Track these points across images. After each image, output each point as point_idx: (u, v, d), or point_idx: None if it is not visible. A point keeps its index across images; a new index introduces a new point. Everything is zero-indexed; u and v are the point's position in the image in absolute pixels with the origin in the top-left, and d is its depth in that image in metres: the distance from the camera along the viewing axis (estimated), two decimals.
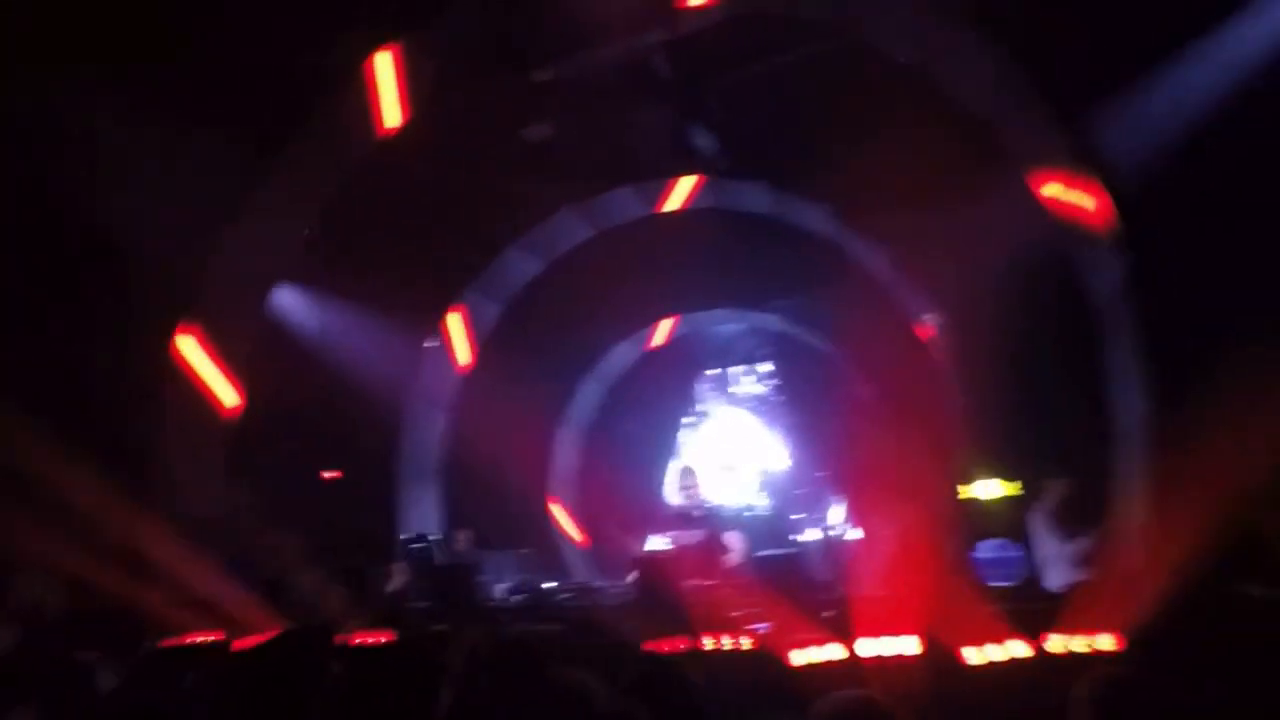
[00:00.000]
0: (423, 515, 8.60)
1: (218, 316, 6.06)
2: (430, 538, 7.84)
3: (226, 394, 6.38)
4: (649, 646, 4.36)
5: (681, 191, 7.96)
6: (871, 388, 7.92)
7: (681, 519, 5.97)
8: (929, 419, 6.39)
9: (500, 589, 7.32)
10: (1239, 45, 4.17)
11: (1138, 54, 4.34)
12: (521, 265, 8.69)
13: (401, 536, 7.80)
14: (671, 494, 6.93)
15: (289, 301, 7.40)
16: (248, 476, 7.18)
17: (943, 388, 6.64)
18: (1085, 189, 4.52)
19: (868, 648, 3.99)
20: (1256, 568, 3.40)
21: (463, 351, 8.79)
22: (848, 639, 4.03)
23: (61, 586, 5.11)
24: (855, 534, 7.44)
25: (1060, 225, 4.59)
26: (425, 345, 8.56)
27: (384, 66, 5.97)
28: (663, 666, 2.75)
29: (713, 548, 6.04)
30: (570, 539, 10.12)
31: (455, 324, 8.68)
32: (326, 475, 8.04)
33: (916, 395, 6.66)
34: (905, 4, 4.62)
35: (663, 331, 10.24)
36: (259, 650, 2.24)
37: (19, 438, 4.90)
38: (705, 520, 5.98)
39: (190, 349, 6.05)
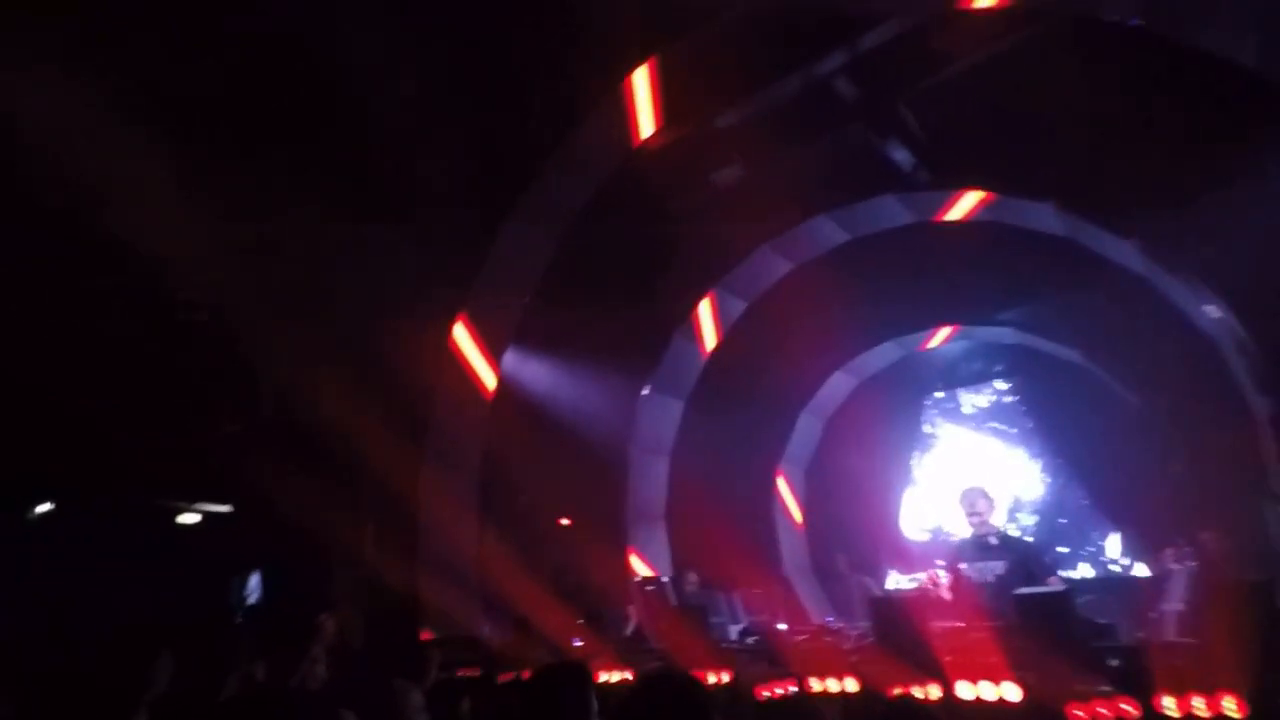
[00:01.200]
0: (653, 558, 8.82)
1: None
2: (662, 579, 8.01)
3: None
4: (894, 690, 4.05)
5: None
6: (1139, 396, 6.81)
7: (977, 549, 5.26)
8: (1223, 428, 5.32)
9: (734, 630, 7.24)
10: None
11: None
12: (725, 306, 8.77)
13: (635, 579, 8.05)
14: (958, 523, 6.15)
15: (516, 364, 8.10)
16: (494, 525, 7.89)
17: (1236, 389, 5.54)
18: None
19: (1171, 705, 3.36)
20: None
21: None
22: (1146, 695, 3.42)
23: (360, 626, 5.95)
24: (1140, 568, 6.38)
25: None
26: (642, 393, 8.89)
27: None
28: (911, 712, 2.53)
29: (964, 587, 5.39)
30: (802, 575, 9.80)
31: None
32: (560, 522, 8.58)
33: (1202, 401, 5.60)
34: None
35: (880, 356, 9.72)
36: (528, 682, 2.42)
37: (319, 501, 5.83)
38: (1004, 549, 5.22)
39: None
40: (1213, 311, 5.53)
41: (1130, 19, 4.39)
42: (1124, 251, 6.09)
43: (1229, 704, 3.23)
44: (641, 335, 8.65)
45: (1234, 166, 4.86)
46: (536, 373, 8.26)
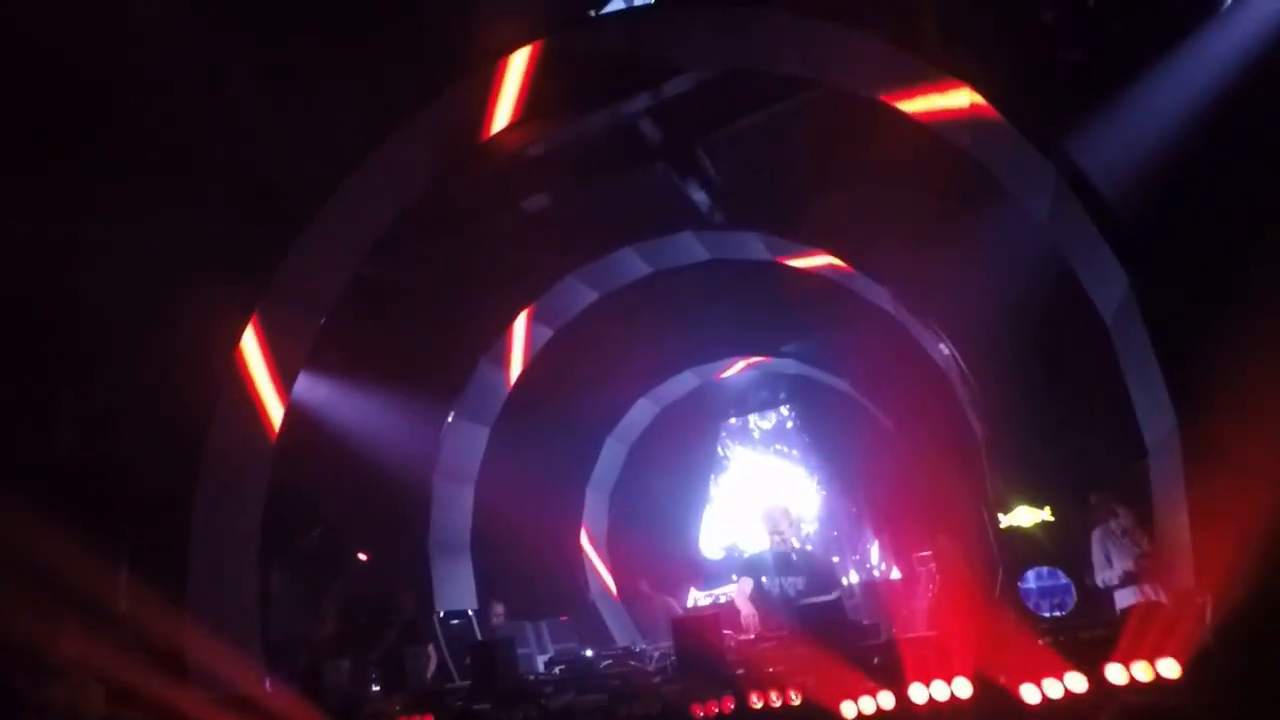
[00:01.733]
0: (458, 590, 8.54)
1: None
2: (468, 612, 7.79)
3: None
4: (696, 710, 4.28)
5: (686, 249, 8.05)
6: (891, 421, 7.87)
7: (779, 564, 5.65)
8: (954, 449, 6.33)
9: (541, 660, 7.21)
10: (1205, 57, 4.25)
11: (1110, 73, 4.44)
12: (532, 332, 8.81)
13: (438, 613, 7.75)
14: (758, 538, 6.45)
15: (310, 390, 7.53)
16: (280, 565, 7.22)
17: (963, 416, 6.59)
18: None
19: (920, 693, 3.88)
20: None
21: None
22: (899, 686, 3.91)
23: (99, 691, 5.11)
24: (895, 573, 7.30)
25: (1059, 244, 4.62)
26: (447, 420, 8.64)
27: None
28: None
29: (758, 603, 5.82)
30: (608, 600, 9.99)
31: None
32: (358, 557, 8.05)
33: (938, 426, 6.60)
34: (871, 47, 4.75)
35: (680, 384, 10.27)
36: None
37: (49, 539, 4.96)
38: (803, 564, 5.65)
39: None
40: (944, 350, 6.58)
41: (876, 95, 5.13)
42: (881, 296, 7.05)
43: (960, 686, 3.79)
44: (447, 360, 8.43)
45: (965, 233, 5.85)
46: (333, 398, 7.74)
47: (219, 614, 5.83)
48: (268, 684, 6.19)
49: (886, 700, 3.94)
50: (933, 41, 4.70)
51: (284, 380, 6.73)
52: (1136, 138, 4.42)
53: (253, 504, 6.41)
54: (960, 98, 4.60)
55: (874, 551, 8.07)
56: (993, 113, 4.47)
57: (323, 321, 6.82)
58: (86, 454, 5.44)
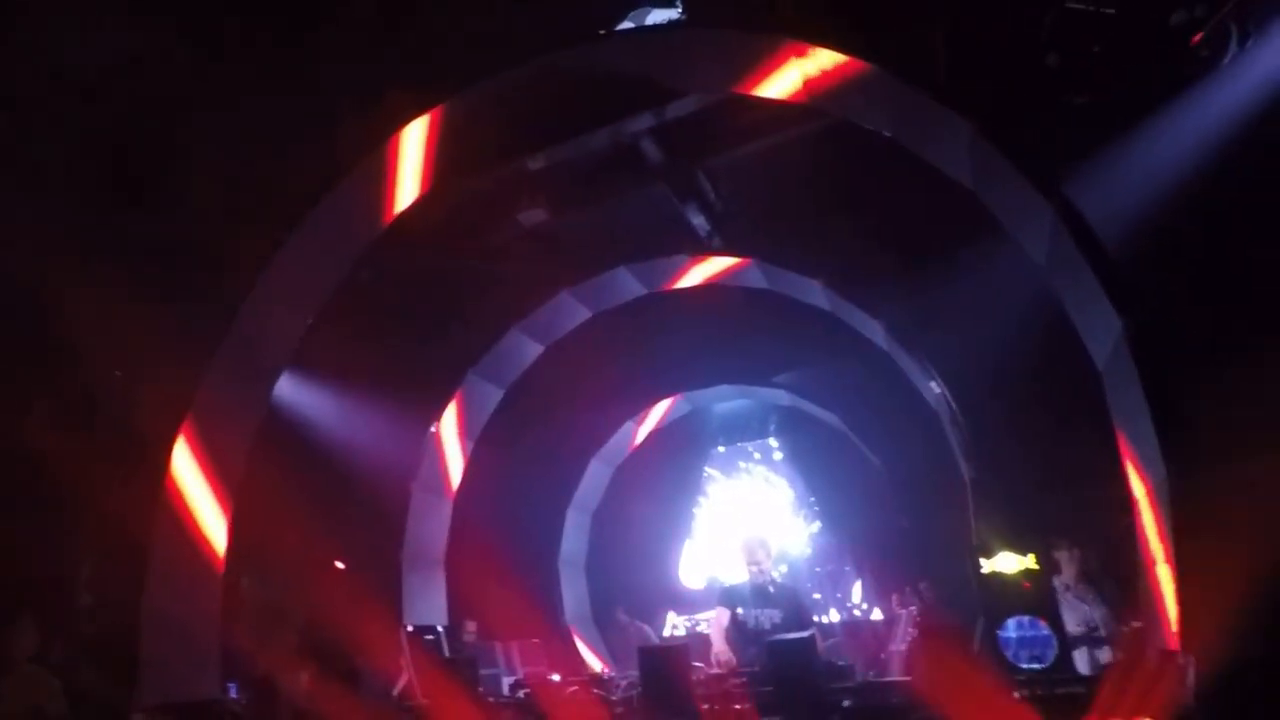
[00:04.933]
0: (430, 605, 8.35)
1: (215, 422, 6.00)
2: (438, 629, 7.60)
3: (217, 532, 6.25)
4: None
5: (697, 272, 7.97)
6: (879, 458, 7.74)
7: (756, 596, 5.54)
8: (941, 490, 6.20)
9: (507, 683, 7.02)
10: (1213, 106, 4.23)
11: (1112, 120, 4.41)
12: (522, 349, 8.74)
13: (408, 628, 7.56)
14: (737, 569, 6.36)
15: (288, 389, 7.42)
16: (248, 571, 7.04)
17: (951, 457, 6.48)
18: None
19: None
20: None
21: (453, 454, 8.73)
22: None
23: (57, 687, 4.95)
24: (876, 613, 7.14)
25: (1055, 288, 4.55)
26: (430, 431, 8.52)
27: (412, 139, 5.93)
28: None
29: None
30: (580, 628, 9.78)
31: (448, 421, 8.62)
32: (331, 567, 7.87)
33: (926, 466, 6.48)
34: (877, 81, 4.73)
35: (662, 411, 10.16)
36: None
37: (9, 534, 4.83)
38: (780, 597, 5.54)
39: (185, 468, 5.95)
40: (935, 388, 6.48)
41: (884, 131, 5.10)
42: (873, 330, 6.97)
43: None
44: (434, 371, 8.34)
45: (959, 270, 5.80)
46: (315, 402, 7.63)
47: (178, 617, 5.69)
48: (231, 690, 6.02)
49: None
50: (939, 79, 4.68)
51: (264, 378, 6.63)
52: (1135, 186, 4.38)
53: (219, 505, 6.28)
54: (964, 136, 4.57)
55: (855, 590, 7.90)
56: (995, 151, 4.43)
57: (309, 323, 6.75)
58: (55, 449, 5.33)
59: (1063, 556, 4.82)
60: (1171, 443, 3.75)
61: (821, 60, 4.99)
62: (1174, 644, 3.66)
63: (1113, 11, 4.04)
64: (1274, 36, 4.19)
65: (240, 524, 6.55)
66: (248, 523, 6.62)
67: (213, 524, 6.33)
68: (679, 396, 9.88)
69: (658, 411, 10.06)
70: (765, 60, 5.34)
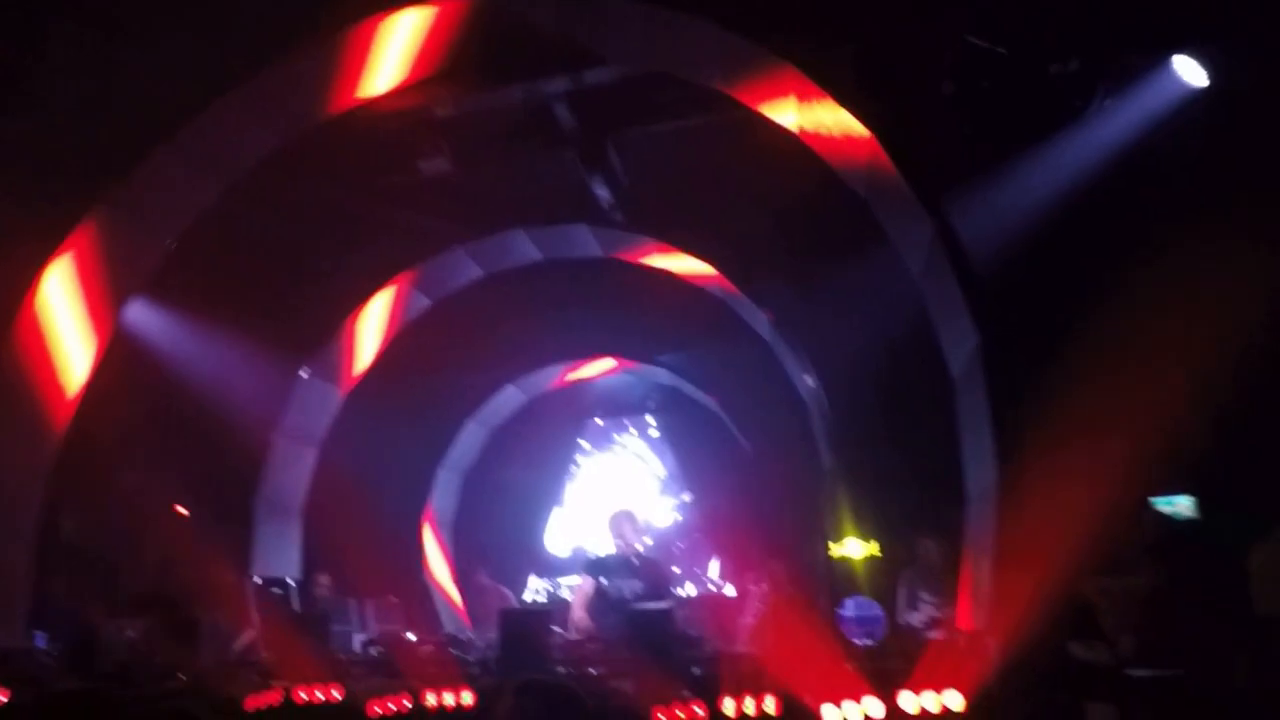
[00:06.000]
0: (282, 557, 7.98)
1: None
2: (288, 581, 7.27)
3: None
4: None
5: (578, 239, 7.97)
6: (751, 443, 8.12)
7: (621, 567, 5.68)
8: (803, 478, 6.61)
9: (359, 640, 6.85)
10: (1076, 149, 4.73)
11: (994, 150, 4.81)
12: (408, 302, 8.44)
13: (255, 580, 7.19)
14: (604, 540, 6.48)
15: (146, 318, 6.80)
16: (80, 510, 6.46)
17: (816, 448, 6.90)
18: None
19: (730, 706, 3.97)
20: (1082, 630, 3.67)
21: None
22: (713, 698, 3.99)
23: None
24: (729, 589, 7.52)
25: (926, 299, 4.94)
26: (299, 375, 8.09)
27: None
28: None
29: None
30: (441, 587, 9.68)
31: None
32: (175, 511, 7.35)
33: (791, 454, 6.88)
34: (789, 79, 4.91)
35: (551, 376, 10.14)
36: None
37: None
38: (643, 569, 5.72)
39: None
40: (809, 381, 6.88)
41: (791, 129, 5.31)
42: (758, 320, 7.27)
43: (769, 703, 3.92)
44: (309, 314, 7.90)
45: (844, 273, 6.14)
46: (174, 334, 7.03)
47: None
48: (38, 640, 5.53)
49: (699, 710, 4.01)
50: (848, 86, 4.90)
51: (111, 302, 6.04)
52: (1003, 213, 4.81)
53: (44, 433, 5.70)
54: (864, 145, 4.82)
55: (714, 567, 8.30)
56: (889, 165, 4.72)
57: (169, 245, 6.19)
58: None
59: (922, 545, 5.27)
60: (1004, 447, 4.21)
61: (737, 47, 5.10)
62: (983, 627, 4.13)
63: (1004, 53, 4.39)
64: (1128, 98, 4.72)
65: (69, 461, 5.99)
66: (79, 461, 6.06)
67: (30, 461, 5.76)
68: (562, 364, 9.88)
69: (539, 378, 10.01)
70: (685, 42, 5.39)
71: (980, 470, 4.45)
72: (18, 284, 5.46)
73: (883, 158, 4.66)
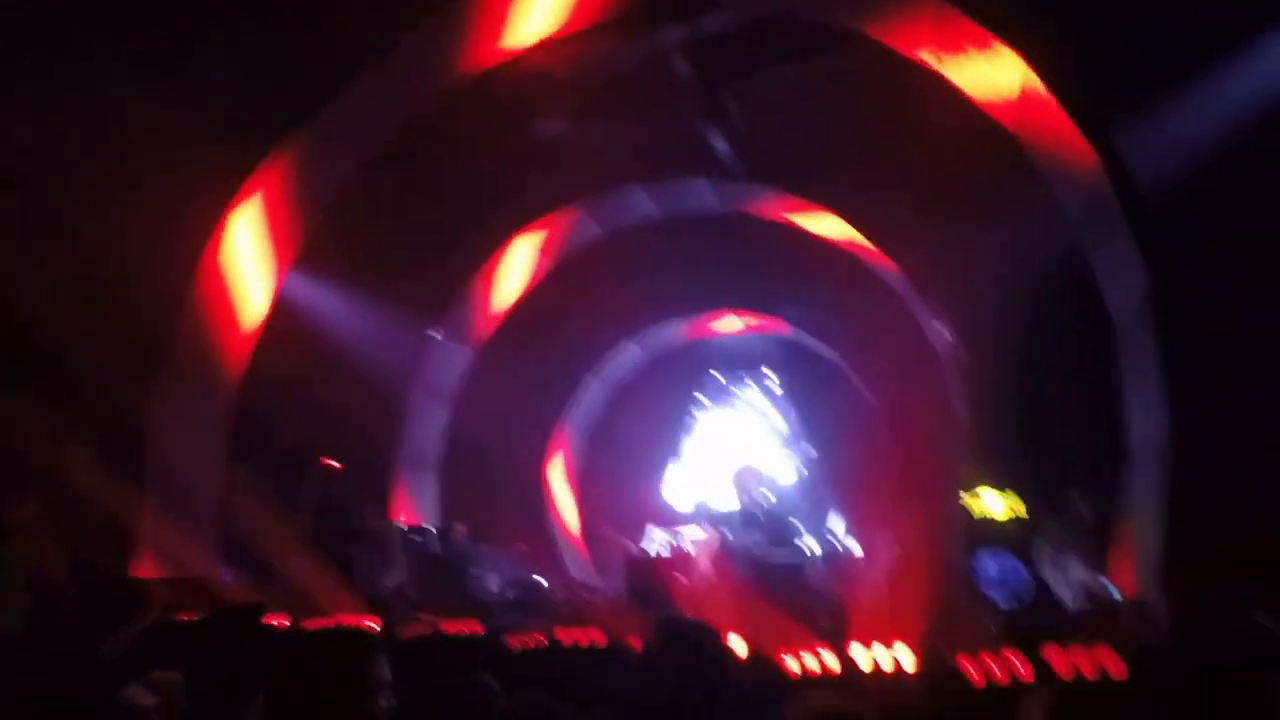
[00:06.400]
0: (423, 506, 8.55)
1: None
2: (428, 529, 7.80)
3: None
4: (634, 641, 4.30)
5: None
6: (879, 397, 7.83)
7: (745, 522, 5.73)
8: (935, 431, 6.30)
9: (495, 583, 7.26)
10: (1260, 70, 4.13)
11: (1162, 71, 4.29)
12: (530, 260, 8.65)
13: (401, 527, 7.74)
14: (728, 496, 6.49)
15: (294, 286, 7.35)
16: (248, 460, 7.14)
17: (950, 401, 6.56)
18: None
19: (863, 657, 3.91)
20: (1271, 596, 3.31)
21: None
22: (843, 648, 3.94)
23: (58, 551, 5.08)
24: (855, 544, 7.36)
25: (1082, 236, 4.52)
26: (430, 335, 8.52)
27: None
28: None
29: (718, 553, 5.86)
30: (569, 535, 10.06)
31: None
32: (327, 463, 8.00)
33: (923, 407, 6.57)
34: (933, 8, 4.55)
35: (671, 332, 10.14)
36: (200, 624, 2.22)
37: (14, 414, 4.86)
38: (768, 524, 5.73)
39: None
40: (942, 331, 6.50)
41: (927, 59, 4.94)
42: (888, 271, 6.93)
43: (902, 651, 3.82)
44: (438, 275, 8.26)
45: (986, 214, 5.70)
46: (320, 299, 7.56)
47: (179, 500, 5.80)
48: (226, 575, 6.20)
49: (830, 660, 3.97)
50: (992, 6, 4.50)
51: (276, 268, 6.56)
52: (1178, 142, 4.30)
53: (223, 393, 6.31)
54: (1012, 71, 4.43)
55: (838, 524, 8.12)
56: (1044, 91, 4.30)
57: (320, 215, 6.63)
58: (55, 323, 5.29)
59: (1072, 501, 4.87)
60: (1177, 393, 3.81)
61: None
62: (1149, 592, 3.82)
63: None
64: None
65: (243, 408, 6.60)
66: (249, 408, 6.67)
67: (213, 405, 6.39)
68: (682, 320, 9.86)
69: (659, 334, 10.05)
70: None
71: (1146, 420, 4.06)
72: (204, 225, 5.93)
73: (1038, 88, 4.25)
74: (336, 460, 7.92)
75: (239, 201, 5.93)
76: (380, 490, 8.15)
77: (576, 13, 5.69)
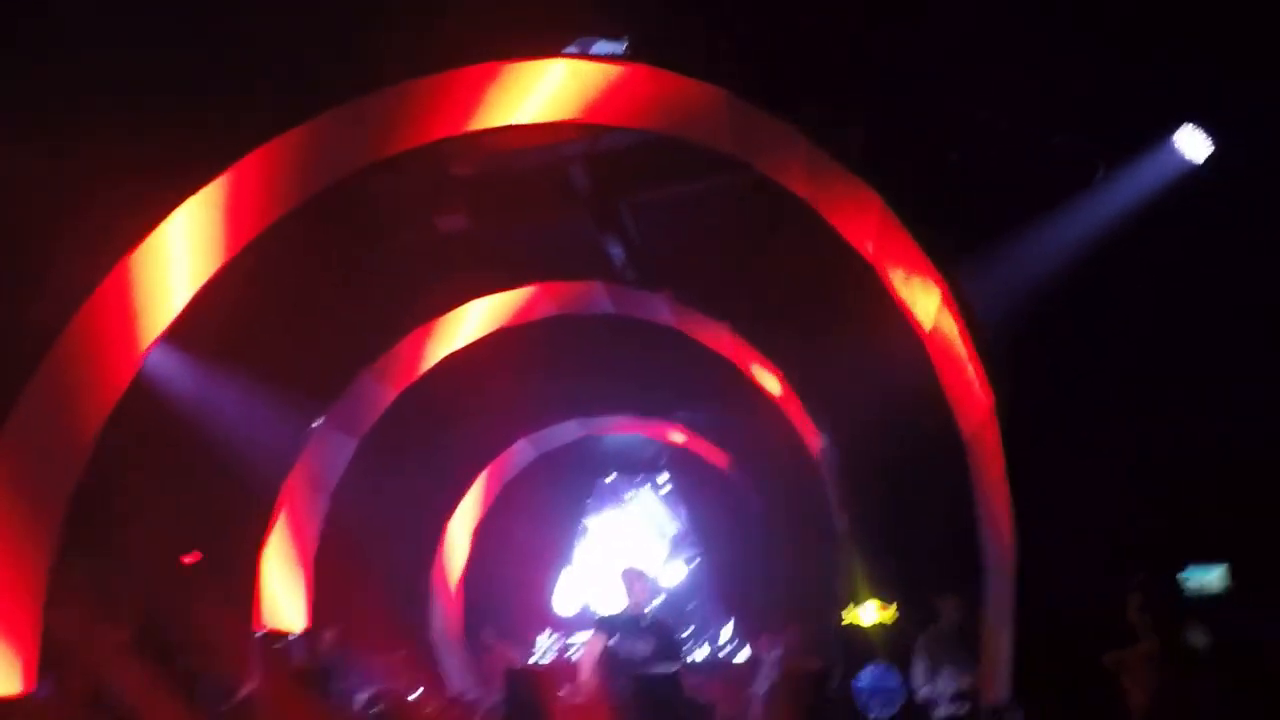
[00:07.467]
0: (288, 608, 7.90)
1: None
2: (291, 636, 7.18)
3: None
4: None
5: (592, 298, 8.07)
6: (763, 504, 8.02)
7: (629, 627, 5.50)
8: (816, 541, 6.50)
9: (360, 698, 6.73)
10: (1079, 220, 4.81)
11: (1001, 220, 4.89)
12: (423, 352, 8.53)
13: (258, 633, 7.11)
14: (614, 599, 6.26)
15: (164, 363, 6.90)
16: (87, 558, 6.44)
17: (828, 509, 6.80)
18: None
19: None
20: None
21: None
22: None
23: None
24: (742, 654, 7.34)
25: (936, 360, 4.93)
26: (312, 425, 8.14)
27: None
28: None
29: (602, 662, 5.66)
30: (452, 639, 9.51)
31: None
32: (184, 559, 7.32)
33: (804, 514, 6.78)
34: (799, 146, 5.02)
35: (564, 432, 10.12)
36: None
37: None
38: (652, 631, 5.54)
39: None
40: (822, 441, 6.82)
41: (799, 192, 5.40)
42: (770, 380, 7.26)
43: None
44: (325, 363, 7.99)
45: (858, 334, 6.15)
46: (189, 377, 7.11)
47: None
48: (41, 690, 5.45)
49: None
50: (854, 153, 5.01)
51: (138, 344, 6.13)
52: (1011, 278, 4.87)
53: (62, 465, 5.67)
54: (872, 210, 4.91)
55: (725, 630, 8.10)
56: (899, 227, 4.78)
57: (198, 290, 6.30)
58: None
59: (944, 607, 5.02)
60: (1021, 510, 4.12)
61: (749, 114, 5.23)
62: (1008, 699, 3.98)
63: (1007, 127, 4.50)
64: (1124, 176, 4.81)
65: (82, 501, 5.99)
66: (91, 500, 6.07)
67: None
68: (575, 420, 9.87)
69: (552, 433, 10.00)
70: (696, 106, 5.53)
71: (997, 535, 4.36)
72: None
73: (892, 222, 4.72)
74: (195, 554, 7.27)
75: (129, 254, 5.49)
76: (241, 590, 7.51)
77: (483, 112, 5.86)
